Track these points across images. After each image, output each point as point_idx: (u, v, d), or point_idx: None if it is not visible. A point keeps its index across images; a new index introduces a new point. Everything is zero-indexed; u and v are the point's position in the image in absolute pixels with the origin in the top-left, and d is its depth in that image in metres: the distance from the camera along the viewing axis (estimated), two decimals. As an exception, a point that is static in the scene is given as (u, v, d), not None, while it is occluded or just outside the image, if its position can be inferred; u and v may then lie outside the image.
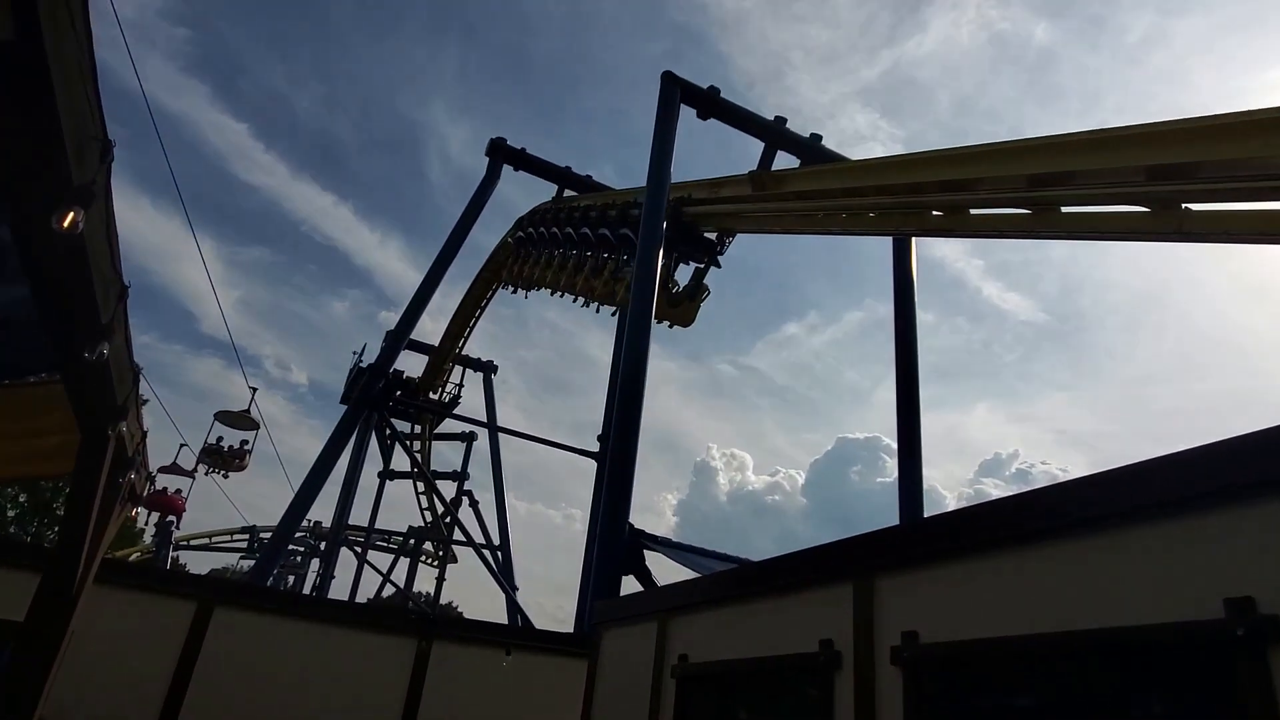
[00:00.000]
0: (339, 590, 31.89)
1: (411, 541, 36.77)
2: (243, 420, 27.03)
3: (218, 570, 46.11)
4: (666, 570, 11.30)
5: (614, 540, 11.15)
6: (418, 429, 33.92)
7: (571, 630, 15.55)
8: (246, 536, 40.73)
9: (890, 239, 17.26)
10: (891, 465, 17.15)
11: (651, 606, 5.40)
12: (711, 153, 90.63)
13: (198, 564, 44.21)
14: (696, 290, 18.56)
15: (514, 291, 25.72)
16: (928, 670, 2.98)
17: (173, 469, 26.85)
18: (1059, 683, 2.63)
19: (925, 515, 14.82)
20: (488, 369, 34.06)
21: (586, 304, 20.50)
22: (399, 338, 21.90)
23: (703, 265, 18.03)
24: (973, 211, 10.22)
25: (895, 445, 16.05)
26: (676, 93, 15.83)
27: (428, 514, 35.39)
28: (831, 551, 3.84)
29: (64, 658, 4.61)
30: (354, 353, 27.34)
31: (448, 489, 34.34)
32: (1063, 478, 5.17)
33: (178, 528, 32.08)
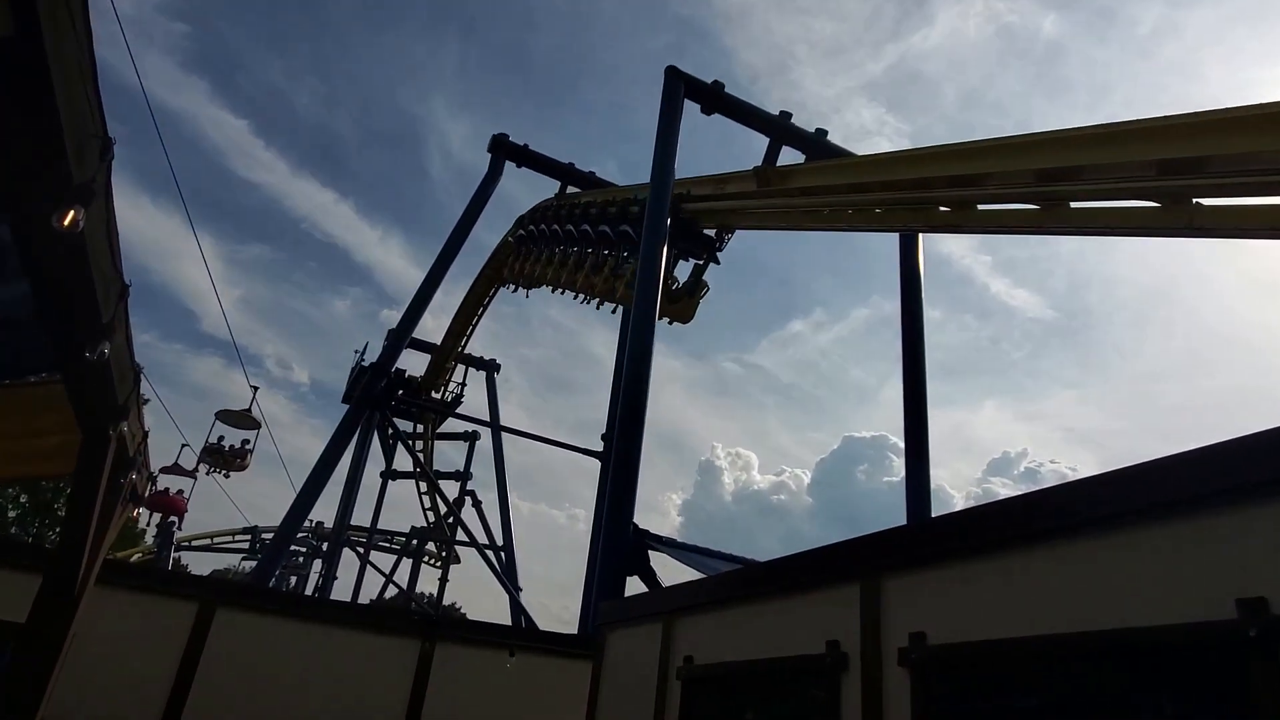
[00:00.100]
0: (341, 591, 31.85)
1: (414, 542, 36.81)
2: (244, 420, 26.99)
3: (219, 571, 46.18)
4: (671, 571, 11.29)
5: (618, 540, 11.14)
6: (420, 428, 33.88)
7: (575, 631, 15.56)
8: (248, 537, 40.86)
9: (896, 235, 17.21)
10: (898, 464, 17.18)
11: (656, 607, 5.38)
12: (714, 148, 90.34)
13: (199, 565, 44.32)
14: (696, 287, 18.65)
15: (515, 290, 25.79)
16: (936, 672, 2.96)
17: (174, 469, 26.83)
18: (1069, 684, 2.61)
19: (933, 515, 14.81)
20: (490, 368, 34.01)
21: (587, 301, 20.61)
22: (401, 336, 21.90)
23: (702, 262, 18.07)
24: (980, 207, 10.15)
25: (902, 444, 16.03)
26: (680, 88, 15.79)
27: (430, 514, 35.44)
28: (838, 552, 3.82)
29: (65, 659, 4.60)
30: (356, 351, 27.38)
31: (450, 489, 34.27)
32: (1071, 477, 5.15)
33: (179, 528, 32.10)
